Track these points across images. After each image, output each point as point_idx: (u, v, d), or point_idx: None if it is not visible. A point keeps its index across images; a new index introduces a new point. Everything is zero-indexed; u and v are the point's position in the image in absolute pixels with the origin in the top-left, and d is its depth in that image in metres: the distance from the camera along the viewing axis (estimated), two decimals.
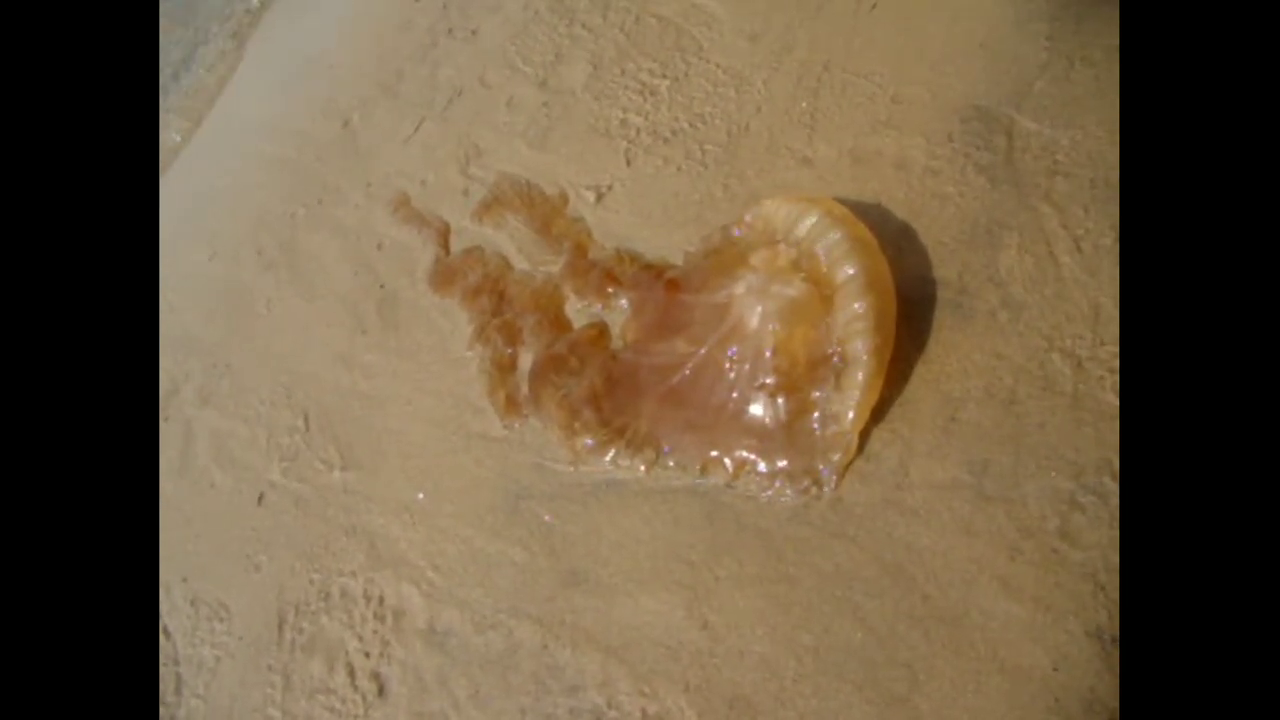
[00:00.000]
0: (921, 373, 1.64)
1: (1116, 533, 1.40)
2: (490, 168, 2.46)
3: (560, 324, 2.06)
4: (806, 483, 1.60)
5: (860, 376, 1.55)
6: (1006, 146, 1.81)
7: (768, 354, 1.64)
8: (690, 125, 2.22)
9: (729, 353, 1.71)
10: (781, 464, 1.62)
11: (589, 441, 1.83)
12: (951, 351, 1.64)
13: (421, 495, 2.01)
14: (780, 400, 1.62)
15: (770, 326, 1.64)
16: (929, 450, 1.57)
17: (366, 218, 2.61)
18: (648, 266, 2.01)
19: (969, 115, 1.88)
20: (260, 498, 2.25)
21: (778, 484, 1.63)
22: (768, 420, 1.64)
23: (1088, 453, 1.46)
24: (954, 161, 1.83)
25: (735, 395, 1.68)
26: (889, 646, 1.45)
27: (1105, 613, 1.36)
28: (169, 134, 3.78)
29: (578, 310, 2.08)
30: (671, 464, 1.75)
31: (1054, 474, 1.47)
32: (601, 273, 2.04)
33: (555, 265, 2.16)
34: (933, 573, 1.48)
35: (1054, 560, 1.41)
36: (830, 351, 1.61)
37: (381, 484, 2.08)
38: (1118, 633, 1.34)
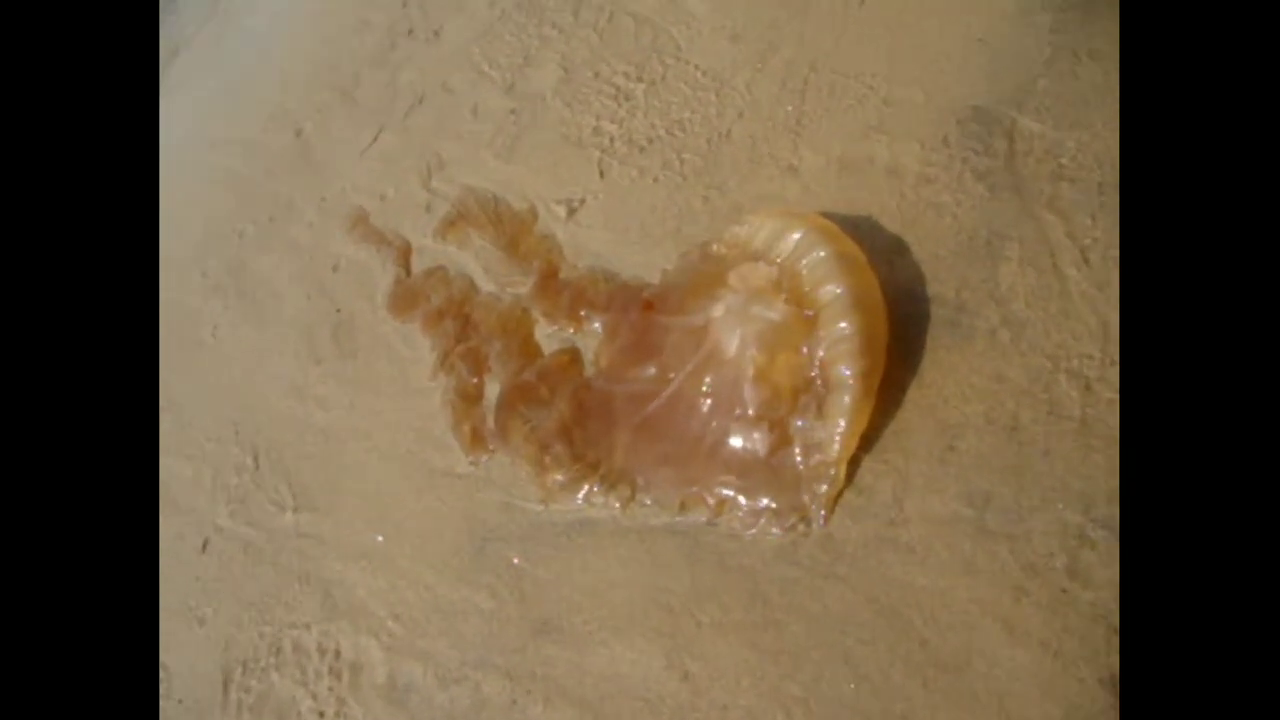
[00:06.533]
0: (916, 398, 1.68)
1: None
2: (454, 181, 2.50)
3: (529, 350, 2.09)
4: (793, 520, 1.64)
5: (846, 402, 1.59)
6: (1007, 150, 1.85)
7: (747, 383, 1.68)
8: (668, 133, 2.27)
9: (705, 381, 1.75)
10: (765, 500, 1.66)
11: (560, 478, 1.86)
12: (948, 374, 1.67)
13: (381, 538, 2.04)
14: (761, 432, 1.66)
15: (749, 352, 1.68)
16: (925, 482, 1.60)
17: (321, 236, 2.65)
18: (623, 287, 2.05)
19: (966, 117, 1.93)
20: (205, 544, 2.27)
21: (762, 521, 1.66)
22: (748, 453, 1.68)
23: (1098, 483, 1.49)
24: (950, 168, 1.88)
25: (713, 426, 1.72)
26: (884, 697, 1.48)
27: (1120, 658, 1.39)
28: None
29: (548, 335, 2.11)
30: (648, 501, 1.79)
31: (1061, 507, 1.49)
32: (573, 294, 2.08)
33: (524, 286, 2.20)
34: (931, 616, 1.50)
35: (1063, 601, 1.43)
36: (814, 376, 1.65)
37: (338, 527, 2.11)
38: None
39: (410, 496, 2.06)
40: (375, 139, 2.77)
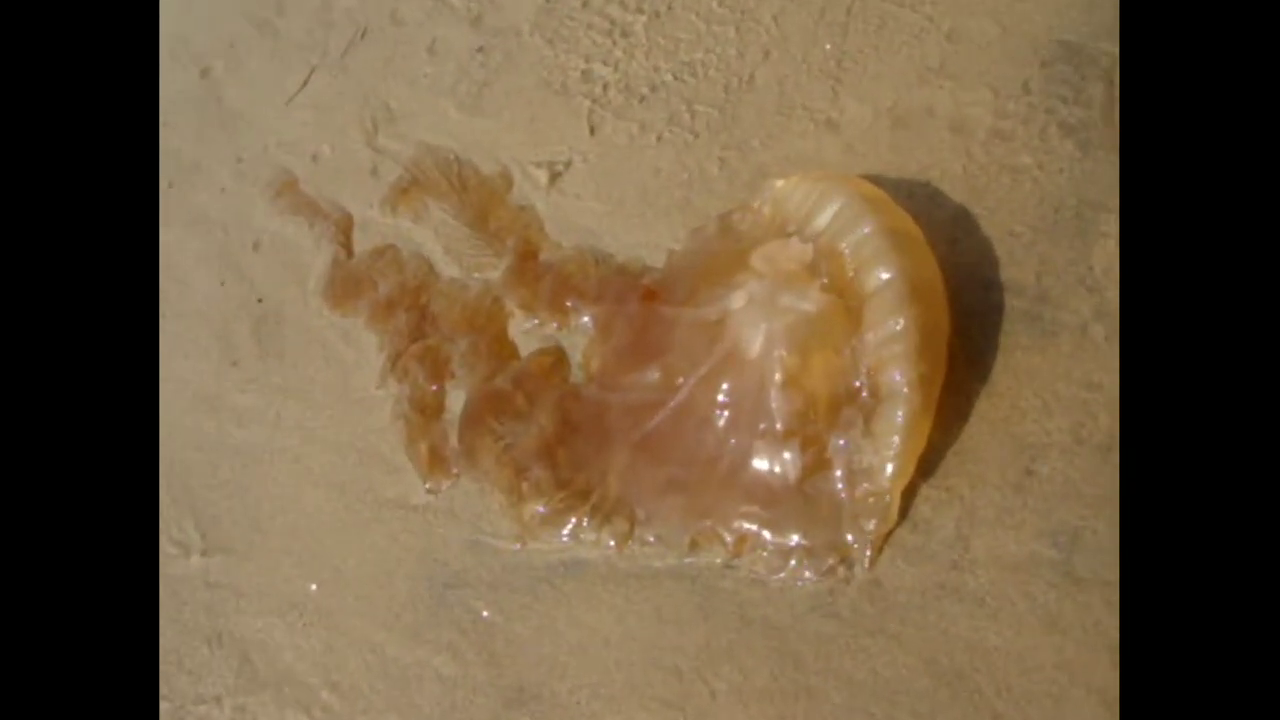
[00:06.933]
0: (986, 410, 1.72)
1: None
2: (407, 137, 2.54)
3: (502, 350, 2.15)
4: (831, 562, 1.69)
5: (900, 417, 1.63)
6: (1104, 98, 1.89)
7: (774, 390, 1.73)
8: (675, 78, 2.31)
9: (722, 388, 1.80)
10: (796, 537, 1.71)
11: (541, 509, 1.91)
12: (1027, 381, 1.72)
13: (315, 586, 2.09)
14: (791, 452, 1.71)
15: (778, 352, 1.72)
16: (998, 516, 1.64)
17: (237, 206, 2.69)
18: (618, 271, 2.10)
19: (1053, 56, 1.96)
20: None
21: (793, 563, 1.71)
22: (775, 479, 1.73)
23: None
24: (1032, 121, 1.92)
25: (733, 445, 1.77)
26: None
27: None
28: None
29: (525, 331, 2.16)
30: (651, 538, 1.83)
31: None
32: (556, 280, 2.14)
33: (495, 270, 2.25)
34: (1005, 683, 1.54)
35: None
36: (858, 384, 1.70)
37: (259, 573, 2.16)
38: None
39: (352, 534, 2.11)
40: (305, 82, 2.79)
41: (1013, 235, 1.84)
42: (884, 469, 1.65)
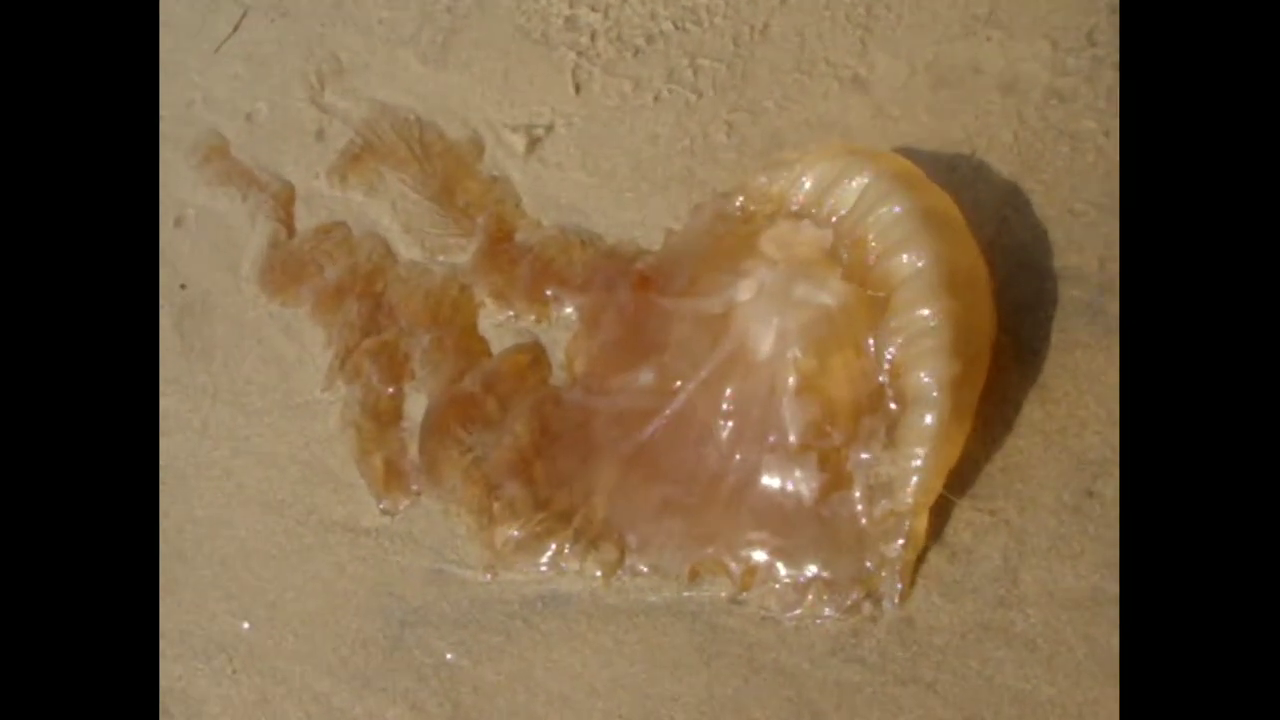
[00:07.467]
0: (1038, 420, 1.77)
1: None
2: (358, 94, 2.59)
3: (471, 347, 2.19)
4: (855, 597, 1.73)
5: (928, 423, 1.67)
6: None
7: (787, 397, 1.78)
8: (675, 26, 2.34)
9: (728, 394, 1.84)
10: (813, 567, 1.75)
11: (515, 533, 1.96)
12: (1086, 386, 1.77)
13: (247, 625, 2.13)
14: (806, 469, 1.76)
15: (792, 353, 1.77)
16: (1052, 544, 1.69)
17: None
18: (608, 255, 2.14)
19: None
20: None
21: (810, 599, 1.75)
22: (788, 499, 1.77)
23: None
24: (1097, 78, 1.96)
25: (739, 460, 1.82)
26: None
27: None
28: None
29: (497, 325, 2.21)
30: (644, 568, 1.88)
31: None
32: (535, 265, 2.18)
33: (463, 253, 2.29)
34: None
35: None
36: (883, 385, 1.74)
37: (180, 609, 2.20)
38: None
39: (292, 563, 2.15)
40: (237, 26, 2.83)
41: (1073, 214, 1.88)
42: (905, 483, 1.69)
